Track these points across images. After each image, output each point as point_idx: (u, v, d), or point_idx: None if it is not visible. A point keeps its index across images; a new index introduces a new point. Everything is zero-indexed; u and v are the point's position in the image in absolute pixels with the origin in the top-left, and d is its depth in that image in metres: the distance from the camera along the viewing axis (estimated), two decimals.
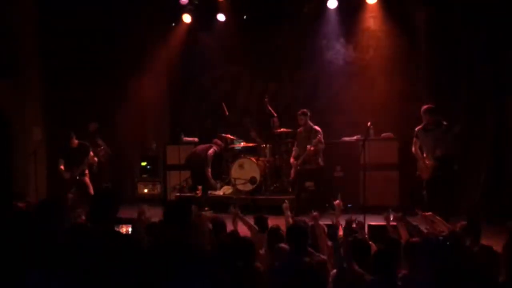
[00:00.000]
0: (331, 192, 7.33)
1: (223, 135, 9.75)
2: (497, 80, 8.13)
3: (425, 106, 7.26)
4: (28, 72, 9.47)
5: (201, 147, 9.45)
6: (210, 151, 9.29)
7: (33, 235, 3.18)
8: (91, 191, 8.35)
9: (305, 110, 8.61)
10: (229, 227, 4.94)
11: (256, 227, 4.99)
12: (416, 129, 7.36)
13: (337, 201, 5.29)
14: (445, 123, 7.11)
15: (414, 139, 7.40)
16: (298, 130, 8.76)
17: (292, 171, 8.71)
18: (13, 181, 9.36)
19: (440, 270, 3.50)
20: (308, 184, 8.70)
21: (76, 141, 8.45)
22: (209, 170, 9.37)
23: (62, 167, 8.39)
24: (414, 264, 3.66)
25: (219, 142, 9.51)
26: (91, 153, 8.61)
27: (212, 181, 9.53)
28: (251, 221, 5.14)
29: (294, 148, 8.84)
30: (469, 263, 3.84)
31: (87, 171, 8.51)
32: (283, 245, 4.14)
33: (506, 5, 7.80)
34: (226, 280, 3.43)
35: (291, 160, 8.76)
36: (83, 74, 9.89)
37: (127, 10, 9.94)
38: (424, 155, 7.27)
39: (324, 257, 4.11)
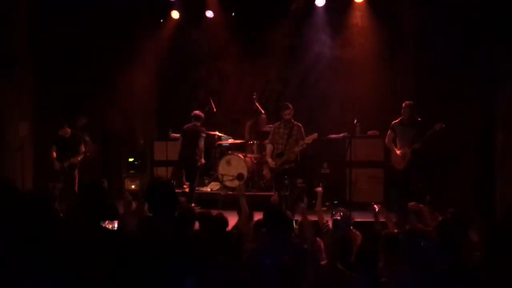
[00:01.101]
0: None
1: (211, 132, 9.72)
2: (486, 78, 8.22)
3: (407, 102, 7.33)
4: (21, 68, 9.36)
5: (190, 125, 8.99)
6: (203, 128, 8.86)
7: (22, 227, 3.17)
8: (76, 187, 8.34)
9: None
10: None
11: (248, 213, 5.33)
12: (393, 122, 7.44)
13: (319, 188, 5.46)
14: (419, 119, 7.20)
15: (389, 131, 7.48)
16: (274, 125, 8.11)
17: (267, 171, 8.19)
18: None
19: (423, 266, 3.54)
20: (299, 181, 8.70)
21: (68, 130, 8.42)
22: (202, 143, 8.84)
23: (54, 154, 8.33)
24: (395, 258, 3.72)
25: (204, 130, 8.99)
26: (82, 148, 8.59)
27: (203, 160, 9.01)
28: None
29: (268, 146, 8.05)
30: (456, 260, 3.87)
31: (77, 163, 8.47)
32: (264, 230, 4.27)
33: (494, 2, 7.88)
34: (214, 274, 3.46)
35: (268, 159, 7.95)
36: (72, 70, 9.81)
37: (115, 6, 9.90)
38: (399, 147, 7.34)
39: (305, 246, 4.20)
